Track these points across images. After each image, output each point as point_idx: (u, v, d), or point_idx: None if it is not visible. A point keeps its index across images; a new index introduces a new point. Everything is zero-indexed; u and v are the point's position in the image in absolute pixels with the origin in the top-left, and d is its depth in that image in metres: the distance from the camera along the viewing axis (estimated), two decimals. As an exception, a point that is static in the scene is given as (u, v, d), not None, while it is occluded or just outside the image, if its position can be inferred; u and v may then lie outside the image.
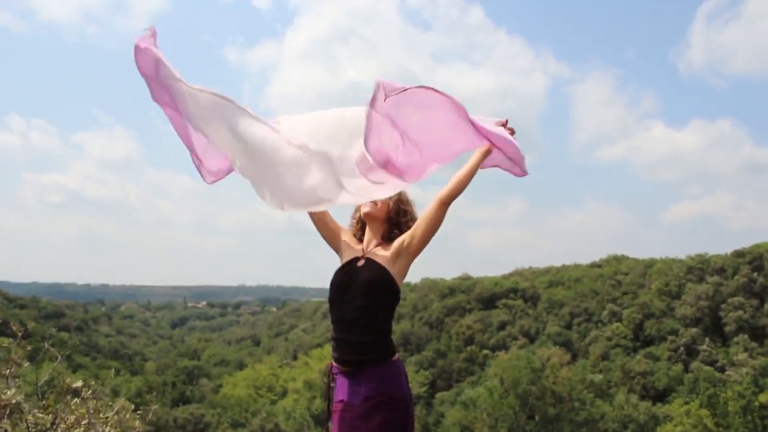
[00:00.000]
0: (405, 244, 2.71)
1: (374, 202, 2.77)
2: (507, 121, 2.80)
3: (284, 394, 43.29)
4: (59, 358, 3.58)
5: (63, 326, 58.20)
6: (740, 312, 42.61)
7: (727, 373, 38.04)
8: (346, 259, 2.79)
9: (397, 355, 2.67)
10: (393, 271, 2.66)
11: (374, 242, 2.79)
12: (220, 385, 48.07)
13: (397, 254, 2.69)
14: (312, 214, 2.91)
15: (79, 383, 3.25)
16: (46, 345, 3.56)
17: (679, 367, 40.54)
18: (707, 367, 39.33)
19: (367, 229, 2.83)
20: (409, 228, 2.77)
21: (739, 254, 47.67)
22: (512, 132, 2.78)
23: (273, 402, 42.50)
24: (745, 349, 39.65)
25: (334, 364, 2.69)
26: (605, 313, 50.07)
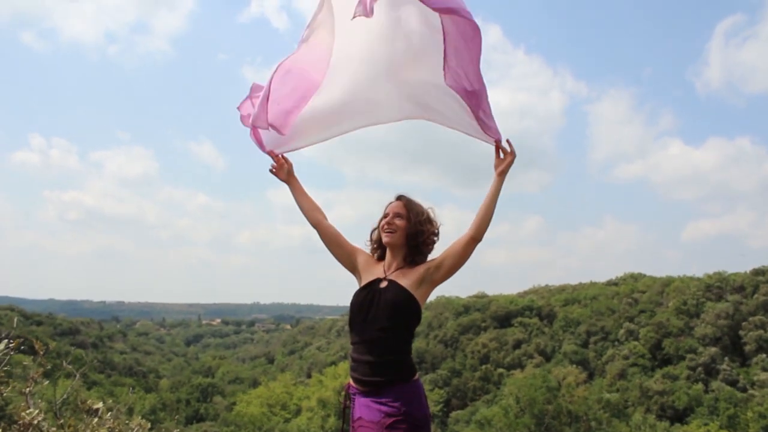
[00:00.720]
0: (430, 272, 2.73)
1: (392, 231, 2.78)
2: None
3: (298, 412, 43.03)
4: (76, 375, 3.60)
5: (78, 343, 58.57)
6: (761, 331, 41.82)
7: (750, 392, 37.28)
8: (367, 279, 2.78)
9: (417, 375, 2.66)
10: (417, 294, 2.67)
11: (395, 264, 2.79)
12: (234, 403, 47.91)
13: (421, 280, 2.71)
14: (323, 234, 2.95)
15: (100, 404, 3.27)
16: (64, 363, 3.58)
17: (699, 386, 39.76)
18: (728, 387, 38.54)
19: (388, 252, 2.83)
20: (427, 246, 2.81)
21: (758, 272, 46.87)
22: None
23: (287, 420, 42.25)
24: (765, 369, 38.85)
25: (353, 384, 2.66)
26: (622, 331, 49.36)
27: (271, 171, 3.07)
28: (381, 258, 2.88)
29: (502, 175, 2.83)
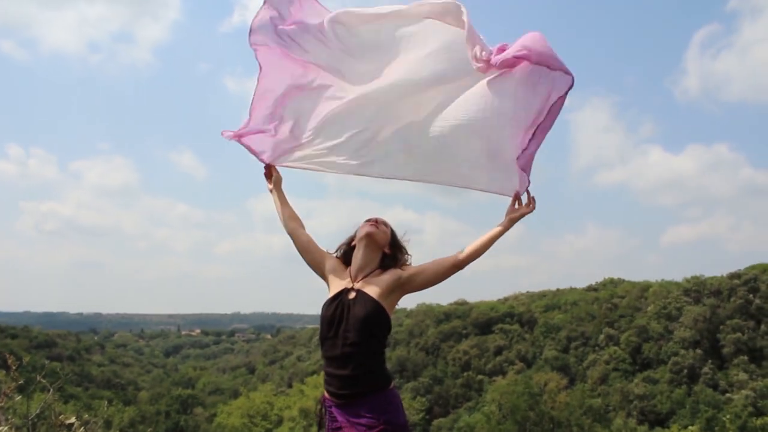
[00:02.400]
0: (402, 281, 2.70)
1: (377, 224, 2.77)
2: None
3: (280, 422, 42.61)
4: (50, 390, 3.52)
5: (55, 356, 57.40)
6: (738, 334, 42.45)
7: (727, 395, 37.78)
8: (335, 289, 2.73)
9: (392, 384, 2.64)
10: (385, 303, 2.63)
11: (365, 270, 2.73)
12: (215, 414, 47.30)
13: (391, 289, 2.67)
14: (296, 241, 2.96)
15: (72, 419, 3.20)
16: (39, 377, 3.50)
17: (682, 390, 40.18)
18: (710, 390, 38.99)
19: (360, 253, 2.75)
20: (400, 263, 2.79)
21: (734, 276, 47.57)
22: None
23: (268, 431, 41.83)
24: (744, 371, 39.42)
25: (327, 396, 2.65)
26: (602, 336, 49.77)
27: (265, 174, 3.16)
28: (348, 263, 2.82)
29: (512, 222, 2.79)
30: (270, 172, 3.15)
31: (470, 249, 2.72)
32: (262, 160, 3.12)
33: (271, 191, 3.14)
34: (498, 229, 2.77)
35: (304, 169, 3.14)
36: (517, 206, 2.81)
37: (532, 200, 2.79)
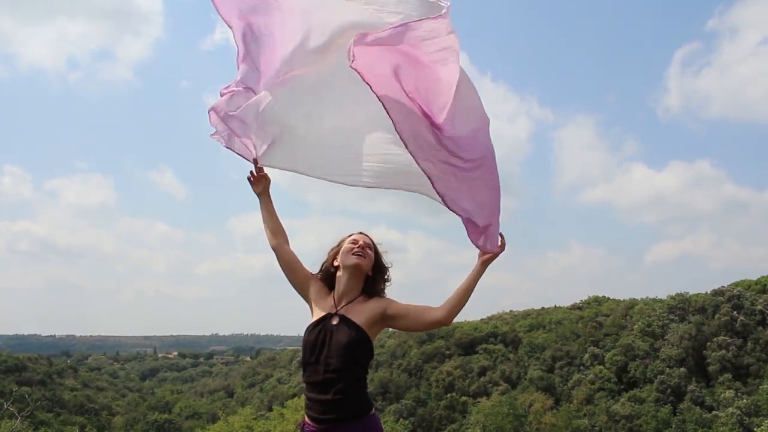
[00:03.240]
0: (386, 315, 2.68)
1: (363, 256, 2.72)
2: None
3: (259, 447, 41.56)
4: (18, 417, 3.07)
5: (25, 381, 55.63)
6: (723, 351, 42.56)
7: (714, 413, 37.66)
8: (318, 314, 2.72)
9: (373, 410, 2.64)
10: (369, 332, 2.63)
11: (349, 296, 2.72)
12: (192, 440, 46.09)
13: (374, 321, 2.66)
14: (280, 258, 2.89)
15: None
16: (6, 404, 3.09)
17: (667, 409, 39.96)
18: (697, 408, 38.82)
19: (344, 279, 2.73)
20: (383, 284, 2.79)
21: (718, 293, 47.91)
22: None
23: (247, 456, 40.71)
24: (730, 388, 39.39)
25: (308, 421, 2.62)
26: (587, 356, 49.63)
27: (249, 179, 2.99)
28: (331, 286, 2.80)
29: (485, 264, 2.76)
30: (258, 175, 2.99)
31: (452, 304, 2.68)
32: (250, 159, 2.95)
33: (258, 196, 2.99)
34: (472, 276, 2.74)
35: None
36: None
37: (502, 241, 2.79)
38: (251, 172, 2.97)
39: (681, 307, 48.73)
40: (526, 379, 50.85)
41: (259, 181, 2.98)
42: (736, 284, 49.07)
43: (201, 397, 79.02)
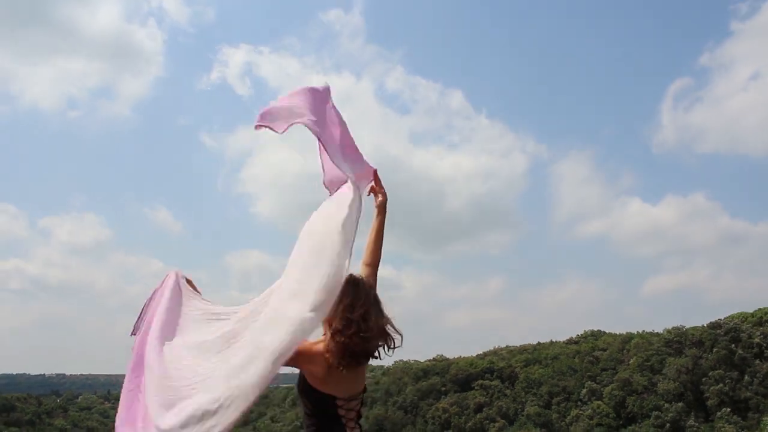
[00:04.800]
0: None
1: None
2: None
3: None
4: None
5: (13, 421, 54.49)
6: (721, 385, 42.05)
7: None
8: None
9: None
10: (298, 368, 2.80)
11: None
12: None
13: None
14: None
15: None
16: None
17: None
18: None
19: None
20: None
21: (715, 326, 47.58)
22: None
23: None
24: (729, 423, 38.80)
25: None
26: (585, 390, 48.99)
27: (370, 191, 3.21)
28: None
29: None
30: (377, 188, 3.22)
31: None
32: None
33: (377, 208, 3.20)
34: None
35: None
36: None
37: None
38: (371, 186, 3.19)
39: (678, 340, 48.39)
40: (523, 416, 50.05)
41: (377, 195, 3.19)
42: (733, 317, 48.80)
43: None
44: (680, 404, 42.19)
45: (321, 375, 2.59)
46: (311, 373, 2.62)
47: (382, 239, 3.01)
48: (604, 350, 56.13)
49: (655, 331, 54.71)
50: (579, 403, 48.93)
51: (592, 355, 55.43)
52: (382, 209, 3.09)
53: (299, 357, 2.50)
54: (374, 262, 2.94)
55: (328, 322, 2.58)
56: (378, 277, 2.94)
